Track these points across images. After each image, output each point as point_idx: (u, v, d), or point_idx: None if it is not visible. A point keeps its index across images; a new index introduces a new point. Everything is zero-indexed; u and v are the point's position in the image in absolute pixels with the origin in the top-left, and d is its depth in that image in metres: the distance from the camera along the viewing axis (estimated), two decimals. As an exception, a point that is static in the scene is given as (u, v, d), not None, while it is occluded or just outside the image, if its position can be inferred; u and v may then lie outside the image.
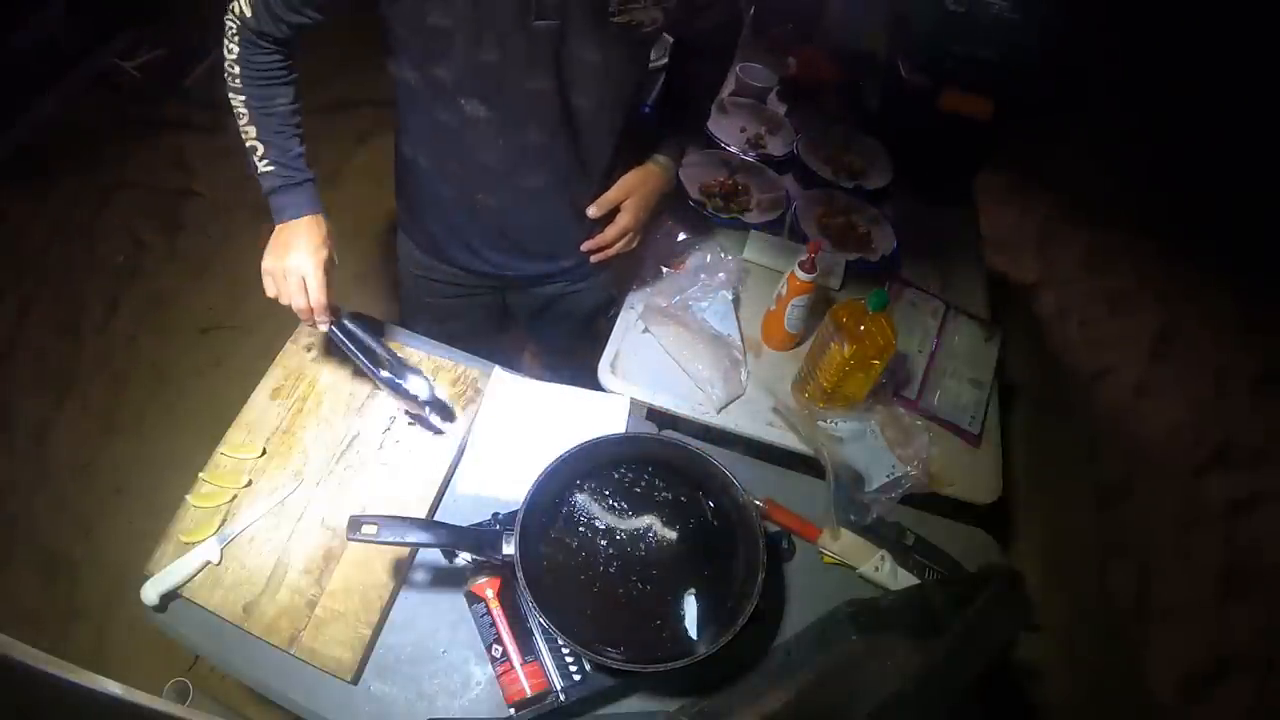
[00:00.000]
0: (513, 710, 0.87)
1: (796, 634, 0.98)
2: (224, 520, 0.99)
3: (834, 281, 1.43)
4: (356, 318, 1.03)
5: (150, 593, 0.92)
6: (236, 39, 0.93)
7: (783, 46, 1.96)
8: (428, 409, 1.05)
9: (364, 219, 2.39)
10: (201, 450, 1.05)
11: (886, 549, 1.08)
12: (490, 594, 0.91)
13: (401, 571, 0.97)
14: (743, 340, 1.29)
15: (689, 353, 1.24)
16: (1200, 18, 2.80)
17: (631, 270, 1.38)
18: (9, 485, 1.85)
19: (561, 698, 0.87)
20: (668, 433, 1.16)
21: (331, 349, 1.12)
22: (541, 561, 0.92)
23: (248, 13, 0.91)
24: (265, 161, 0.95)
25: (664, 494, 1.00)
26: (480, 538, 0.90)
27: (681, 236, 1.44)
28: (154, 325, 2.20)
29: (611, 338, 1.29)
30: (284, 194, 0.96)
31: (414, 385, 1.04)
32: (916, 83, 1.54)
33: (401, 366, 1.04)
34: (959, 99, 1.50)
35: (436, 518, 1.04)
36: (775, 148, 1.68)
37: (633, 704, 0.93)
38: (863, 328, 1.08)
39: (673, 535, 0.97)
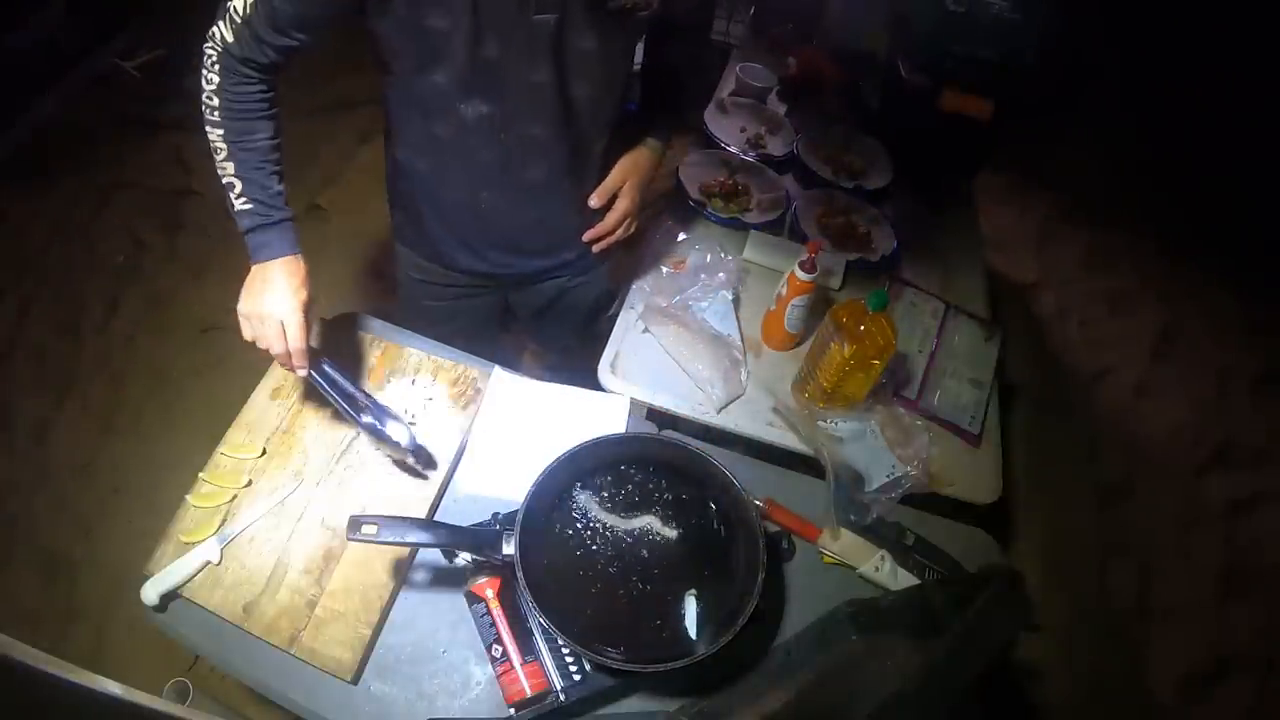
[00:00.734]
0: (513, 710, 0.87)
1: (796, 634, 0.98)
2: (224, 520, 0.99)
3: (834, 281, 1.43)
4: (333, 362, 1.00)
5: (150, 593, 0.92)
6: (217, 67, 0.89)
7: (783, 46, 1.96)
8: (410, 456, 1.02)
9: (364, 219, 2.39)
10: (201, 450, 1.05)
11: (886, 549, 1.08)
12: (490, 594, 0.91)
13: (401, 571, 0.97)
14: (743, 340, 1.29)
15: (689, 353, 1.24)
16: (1200, 17, 2.80)
17: (631, 268, 1.38)
18: (9, 485, 1.85)
19: (561, 698, 0.87)
20: (668, 433, 1.16)
21: (310, 390, 1.10)
22: (542, 561, 0.92)
23: (229, 38, 0.87)
24: (243, 199, 0.92)
25: (664, 494, 1.00)
26: (480, 538, 0.90)
27: (681, 236, 1.44)
28: (154, 325, 2.21)
29: (611, 338, 1.29)
30: (261, 233, 0.93)
31: (395, 432, 1.00)
32: (916, 83, 1.55)
33: (383, 413, 1.01)
34: (959, 99, 1.50)
35: (436, 518, 1.04)
36: (775, 148, 1.68)
37: (633, 704, 0.93)
38: (863, 328, 1.08)
39: (673, 535, 0.97)
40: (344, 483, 1.04)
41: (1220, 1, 2.80)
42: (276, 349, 0.92)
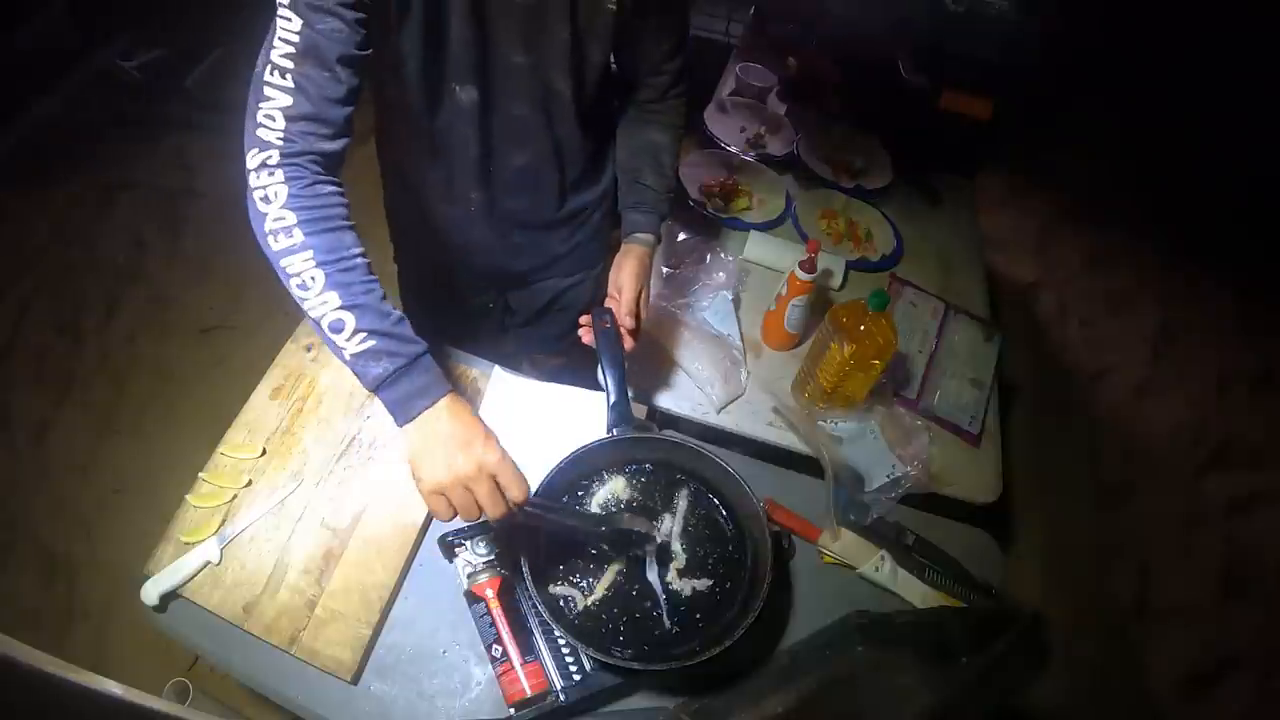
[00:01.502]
0: (513, 710, 0.87)
1: (802, 639, 0.97)
2: (224, 520, 0.98)
3: (834, 281, 1.43)
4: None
5: (150, 593, 0.92)
6: (280, 170, 0.71)
7: (783, 46, 1.96)
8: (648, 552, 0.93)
9: (364, 219, 2.38)
10: (201, 450, 1.05)
11: (886, 549, 1.08)
12: (490, 594, 0.91)
13: (402, 572, 0.97)
14: (743, 340, 1.29)
15: (689, 353, 1.24)
16: (1200, 17, 2.80)
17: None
18: (9, 485, 1.85)
19: (561, 697, 0.87)
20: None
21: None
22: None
23: (291, 110, 0.71)
24: (361, 336, 0.71)
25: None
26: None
27: (681, 236, 1.44)
28: (154, 325, 2.21)
29: (612, 338, 1.28)
30: (405, 380, 0.74)
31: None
32: (916, 83, 1.55)
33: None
34: (959, 99, 1.50)
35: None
36: (775, 148, 1.68)
37: (633, 703, 0.93)
38: (863, 328, 1.08)
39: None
40: (344, 483, 1.04)
41: (1220, 2, 2.80)
42: (497, 512, 0.75)
